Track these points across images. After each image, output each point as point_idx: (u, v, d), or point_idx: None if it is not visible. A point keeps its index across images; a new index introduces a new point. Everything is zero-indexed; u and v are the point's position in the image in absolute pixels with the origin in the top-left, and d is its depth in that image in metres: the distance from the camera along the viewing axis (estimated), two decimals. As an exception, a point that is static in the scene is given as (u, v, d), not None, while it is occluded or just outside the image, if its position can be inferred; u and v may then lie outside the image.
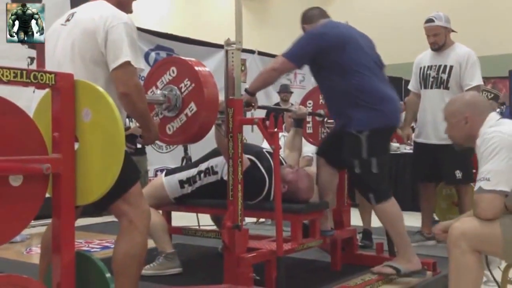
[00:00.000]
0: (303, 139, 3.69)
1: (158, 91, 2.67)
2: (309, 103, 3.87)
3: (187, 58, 2.76)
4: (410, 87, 4.27)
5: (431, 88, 4.00)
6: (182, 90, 2.63)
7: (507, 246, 2.10)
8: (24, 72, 1.63)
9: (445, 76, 3.94)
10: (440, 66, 3.98)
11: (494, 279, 2.46)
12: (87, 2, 2.34)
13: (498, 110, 9.68)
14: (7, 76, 1.59)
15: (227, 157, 2.98)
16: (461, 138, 2.39)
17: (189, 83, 2.61)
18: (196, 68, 2.64)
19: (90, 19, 2.14)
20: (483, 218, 2.11)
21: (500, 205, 2.11)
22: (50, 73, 1.71)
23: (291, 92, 7.23)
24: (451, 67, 3.92)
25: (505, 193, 2.10)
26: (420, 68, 4.10)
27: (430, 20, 4.01)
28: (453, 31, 4.04)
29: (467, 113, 2.31)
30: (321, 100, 3.80)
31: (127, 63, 2.09)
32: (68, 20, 2.25)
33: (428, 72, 4.03)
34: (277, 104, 7.15)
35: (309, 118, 3.83)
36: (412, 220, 4.42)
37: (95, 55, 2.11)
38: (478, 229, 2.12)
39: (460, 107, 2.35)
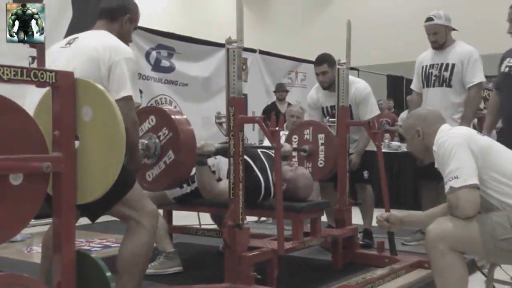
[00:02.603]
0: None
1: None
2: (295, 138, 3.88)
3: (165, 107, 2.85)
4: (412, 86, 4.24)
5: (433, 86, 3.98)
6: (161, 138, 2.71)
7: (486, 245, 2.09)
8: (25, 70, 1.63)
9: (447, 74, 3.92)
10: (442, 64, 3.96)
11: (484, 274, 2.46)
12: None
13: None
14: (7, 75, 1.58)
15: (209, 197, 3.08)
16: (419, 152, 2.46)
17: (167, 132, 2.69)
18: (173, 117, 2.71)
19: (93, 49, 2.18)
20: (464, 216, 2.10)
21: (477, 199, 2.10)
22: (51, 71, 1.71)
23: (287, 91, 7.26)
24: (453, 65, 3.90)
25: (477, 185, 2.10)
26: (422, 67, 4.08)
27: (429, 19, 3.99)
28: (454, 29, 4.03)
29: (418, 127, 2.39)
30: (306, 136, 3.83)
31: (129, 98, 2.17)
32: (69, 43, 2.28)
33: (430, 70, 4.01)
34: (273, 103, 7.17)
35: (294, 153, 3.83)
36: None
37: (96, 82, 2.13)
38: (455, 229, 2.11)
39: (413, 121, 2.44)
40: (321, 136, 3.75)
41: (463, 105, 3.89)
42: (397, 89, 11.63)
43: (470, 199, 2.09)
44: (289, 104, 7.03)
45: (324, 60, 4.00)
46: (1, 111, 1.60)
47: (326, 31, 11.91)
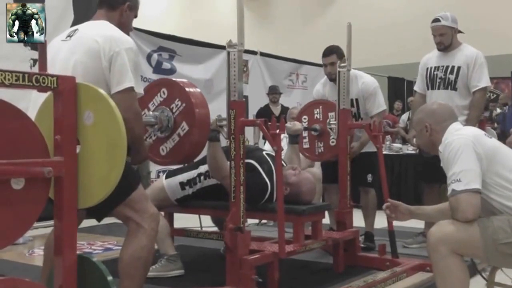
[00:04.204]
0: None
1: (150, 113, 2.70)
2: (304, 119, 3.89)
3: (177, 80, 2.79)
4: (416, 88, 4.21)
5: (438, 89, 3.95)
6: (174, 110, 2.67)
7: (487, 249, 2.10)
8: (26, 75, 1.63)
9: (452, 77, 3.89)
10: (447, 67, 3.93)
11: (484, 278, 2.46)
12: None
13: (499, 111, 9.68)
14: (9, 80, 1.59)
15: (217, 177, 3.02)
16: (425, 146, 2.46)
17: (179, 103, 2.65)
18: (187, 88, 2.68)
19: (93, 41, 2.16)
20: (464, 220, 2.10)
21: (478, 203, 2.10)
22: (52, 76, 1.71)
23: (280, 93, 7.27)
24: (459, 68, 3.87)
25: (478, 190, 2.10)
26: (427, 69, 4.05)
27: (436, 20, 3.96)
28: (460, 31, 3.99)
29: (427, 122, 2.38)
30: (316, 115, 3.82)
31: (131, 89, 2.14)
32: (69, 36, 2.26)
33: (435, 72, 3.98)
34: (267, 105, 7.17)
35: (305, 133, 3.84)
36: (415, 221, 4.39)
37: (97, 75, 2.13)
38: (456, 233, 2.11)
39: (423, 116, 2.43)
40: (331, 115, 3.74)
41: (467, 108, 3.87)
42: (398, 90, 11.64)
43: (470, 202, 2.09)
44: (283, 107, 7.06)
45: (333, 51, 4.00)
46: (3, 116, 1.60)
47: (327, 33, 11.90)
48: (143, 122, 2.59)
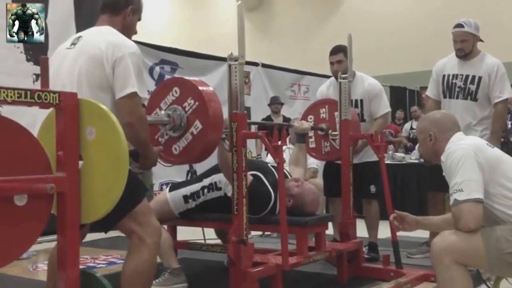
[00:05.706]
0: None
1: (163, 112, 2.69)
2: (310, 118, 3.89)
3: (190, 78, 2.78)
4: (429, 93, 4.09)
5: (457, 98, 3.85)
6: (186, 109, 2.64)
7: (491, 258, 2.09)
8: (28, 92, 1.64)
9: (473, 87, 3.80)
10: (467, 76, 3.83)
11: (488, 287, 2.45)
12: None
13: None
14: (11, 97, 1.60)
15: (228, 176, 2.98)
16: (428, 155, 2.47)
17: (192, 101, 2.63)
18: (200, 87, 2.66)
19: (96, 47, 2.16)
20: (467, 230, 2.10)
21: (480, 213, 2.10)
22: (54, 92, 1.72)
23: (282, 104, 7.27)
24: (480, 78, 3.78)
25: (480, 200, 2.11)
26: (444, 76, 3.93)
27: (459, 25, 3.87)
28: (481, 40, 3.91)
29: (432, 131, 2.39)
30: (322, 115, 3.82)
31: (134, 94, 2.14)
32: (73, 43, 2.27)
33: (453, 81, 3.88)
34: (268, 116, 7.18)
35: (311, 133, 3.84)
36: (419, 231, 4.36)
37: (102, 82, 2.14)
38: (459, 243, 2.11)
39: (427, 124, 2.44)
40: (337, 114, 3.72)
41: (486, 118, 3.80)
42: (400, 100, 11.65)
43: (472, 212, 2.09)
44: (285, 117, 7.06)
45: (340, 49, 4.01)
46: (5, 133, 1.61)
47: (329, 44, 11.91)
48: (153, 119, 2.59)
